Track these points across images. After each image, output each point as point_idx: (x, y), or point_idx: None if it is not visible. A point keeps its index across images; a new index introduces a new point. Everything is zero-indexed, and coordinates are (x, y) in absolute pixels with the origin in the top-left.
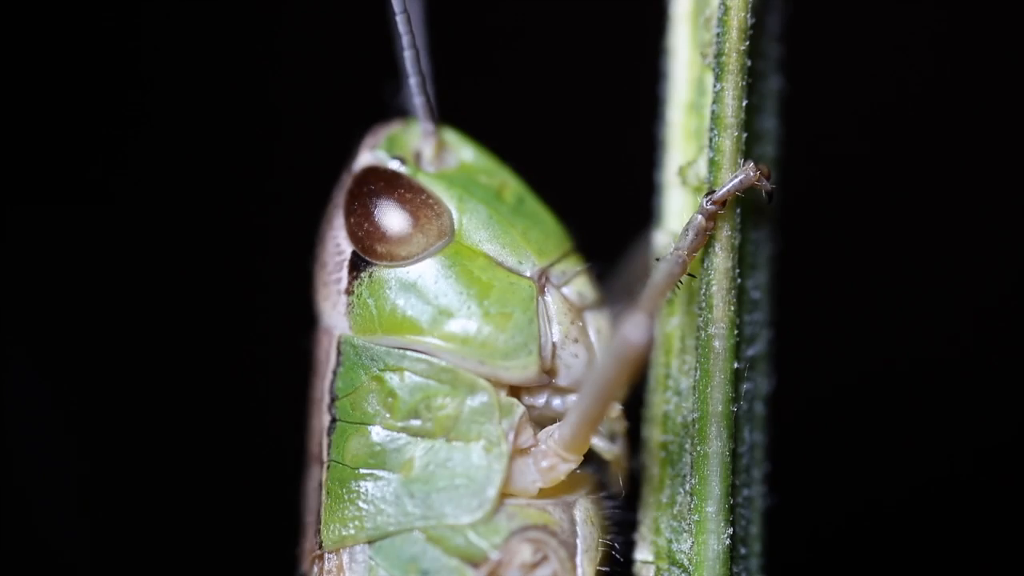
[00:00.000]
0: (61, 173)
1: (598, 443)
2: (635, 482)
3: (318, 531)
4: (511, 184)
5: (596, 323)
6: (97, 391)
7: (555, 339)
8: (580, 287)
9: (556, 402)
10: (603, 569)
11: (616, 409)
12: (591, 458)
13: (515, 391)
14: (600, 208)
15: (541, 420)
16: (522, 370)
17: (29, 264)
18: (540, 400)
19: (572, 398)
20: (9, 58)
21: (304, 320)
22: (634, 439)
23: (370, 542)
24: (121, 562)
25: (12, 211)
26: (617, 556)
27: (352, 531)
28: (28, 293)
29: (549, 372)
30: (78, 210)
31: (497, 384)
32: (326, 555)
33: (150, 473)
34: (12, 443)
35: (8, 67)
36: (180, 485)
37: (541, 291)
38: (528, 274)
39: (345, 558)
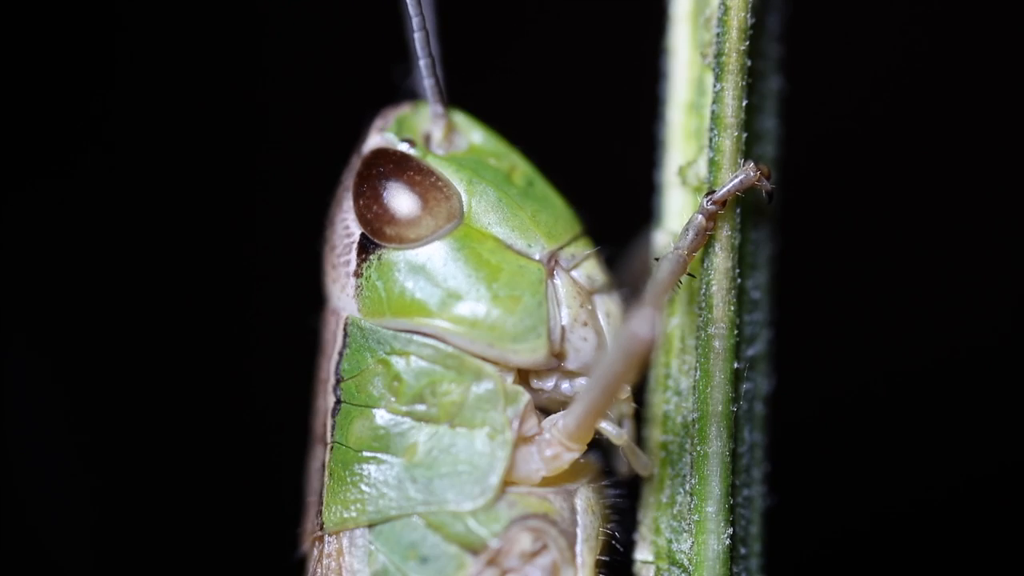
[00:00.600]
0: (61, 167)
1: (606, 427)
2: (635, 480)
3: (319, 512)
4: (521, 167)
5: (605, 306)
6: (95, 386)
7: (564, 322)
8: (589, 270)
9: (565, 386)
10: (603, 558)
11: (625, 391)
12: (597, 442)
13: (524, 375)
14: (600, 208)
15: (550, 404)
16: (531, 353)
17: (29, 259)
18: (549, 384)
19: (581, 382)
20: (11, 57)
21: (306, 303)
22: (636, 435)
23: (371, 526)
24: (122, 551)
25: (11, 207)
26: (617, 545)
27: (354, 513)
28: (28, 287)
29: (558, 355)
30: (77, 201)
31: (506, 368)
32: (326, 538)
33: (150, 464)
34: (12, 442)
35: (11, 65)
36: (179, 475)
37: (550, 274)
38: (537, 257)
39: (345, 542)
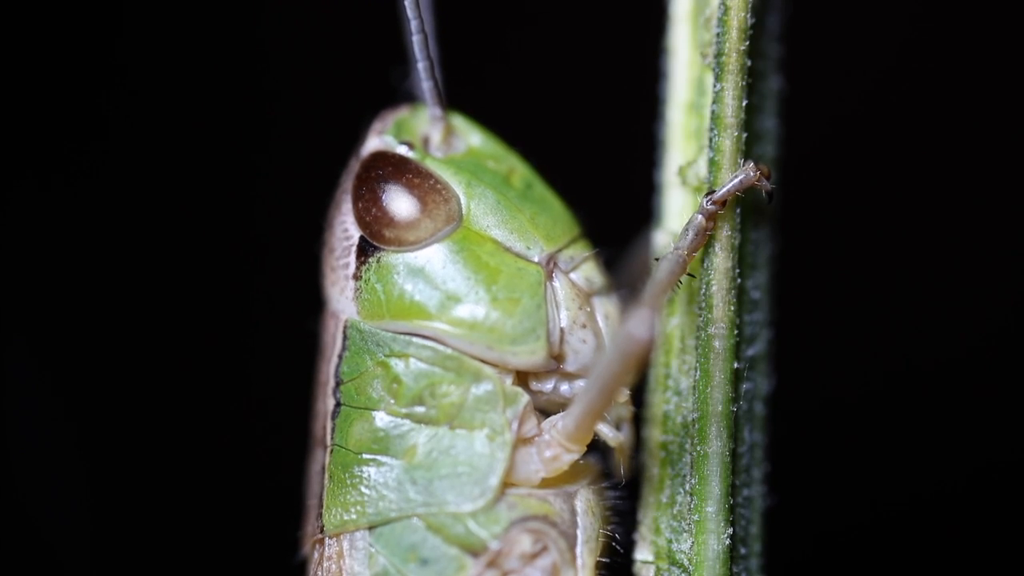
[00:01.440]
0: (59, 163)
1: (603, 429)
2: (635, 480)
3: (320, 515)
4: (519, 169)
5: (604, 308)
6: (96, 387)
7: (563, 324)
8: (588, 272)
9: (564, 387)
10: (603, 559)
11: (624, 394)
12: (595, 444)
13: (523, 377)
14: (600, 208)
15: (549, 406)
16: (530, 355)
17: (29, 259)
18: (548, 386)
19: (580, 383)
20: (10, 58)
21: (306, 305)
22: (635, 439)
23: (371, 528)
24: (122, 552)
25: (12, 208)
26: (617, 547)
27: (354, 516)
28: (28, 287)
29: (557, 357)
30: (78, 203)
31: (505, 369)
32: (327, 541)
33: (151, 466)
34: (12, 442)
35: (11, 67)
36: (180, 477)
37: (549, 276)
38: (536, 259)
39: (345, 544)
